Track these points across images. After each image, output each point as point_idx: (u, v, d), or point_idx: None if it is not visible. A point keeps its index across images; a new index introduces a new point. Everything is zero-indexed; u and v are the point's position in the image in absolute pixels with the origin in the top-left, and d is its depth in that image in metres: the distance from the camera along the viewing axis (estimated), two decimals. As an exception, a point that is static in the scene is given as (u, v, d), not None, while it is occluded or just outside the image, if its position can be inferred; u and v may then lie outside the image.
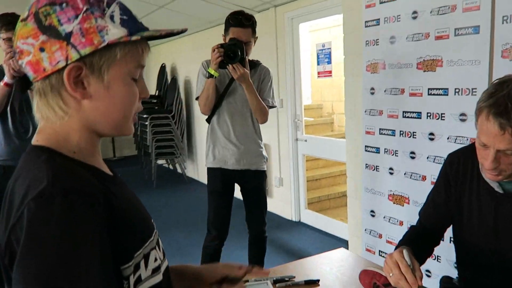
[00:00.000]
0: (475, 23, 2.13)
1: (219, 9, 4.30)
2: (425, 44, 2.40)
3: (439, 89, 2.35)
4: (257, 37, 2.46)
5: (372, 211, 2.92)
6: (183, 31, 0.78)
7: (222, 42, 2.37)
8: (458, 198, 1.36)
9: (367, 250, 3.00)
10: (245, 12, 2.39)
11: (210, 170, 2.54)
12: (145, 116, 5.81)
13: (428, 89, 2.40)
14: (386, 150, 2.74)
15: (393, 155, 2.69)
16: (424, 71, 2.41)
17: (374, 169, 2.86)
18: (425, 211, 1.49)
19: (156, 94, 6.60)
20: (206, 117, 2.53)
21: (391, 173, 2.72)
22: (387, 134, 2.71)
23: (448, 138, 2.32)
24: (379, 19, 2.67)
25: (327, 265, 1.58)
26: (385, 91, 2.69)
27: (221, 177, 2.50)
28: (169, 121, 5.94)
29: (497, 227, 1.26)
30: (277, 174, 4.51)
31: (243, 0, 4.02)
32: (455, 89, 2.25)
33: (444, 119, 2.33)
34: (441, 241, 1.79)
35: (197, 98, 2.46)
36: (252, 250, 2.70)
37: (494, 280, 1.31)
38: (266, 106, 2.45)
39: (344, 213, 3.64)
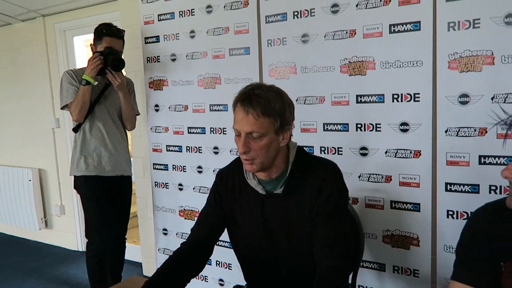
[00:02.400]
0: (246, 44, 2.33)
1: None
2: (203, 62, 2.50)
3: (219, 105, 2.48)
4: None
5: (164, 229, 2.88)
6: None
7: (92, 51, 2.46)
8: (230, 209, 1.45)
9: (162, 269, 2.93)
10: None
11: (83, 178, 2.50)
12: None
13: (210, 105, 2.51)
14: (174, 166, 2.74)
15: (181, 171, 2.71)
16: (205, 88, 2.52)
17: (163, 187, 2.83)
18: (198, 223, 1.52)
19: None
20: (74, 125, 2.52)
21: (181, 189, 2.74)
22: (175, 151, 2.72)
23: (230, 151, 2.47)
24: (158, 36, 2.67)
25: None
26: (169, 108, 2.70)
27: (98, 183, 2.51)
28: None
29: (265, 225, 1.39)
30: (57, 202, 4.03)
31: (4, 6, 3.48)
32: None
33: (226, 133, 2.48)
34: (231, 249, 1.87)
35: (63, 107, 2.47)
36: (113, 256, 2.69)
37: (269, 275, 1.44)
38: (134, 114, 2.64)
39: (136, 234, 3.50)
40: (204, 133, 2.57)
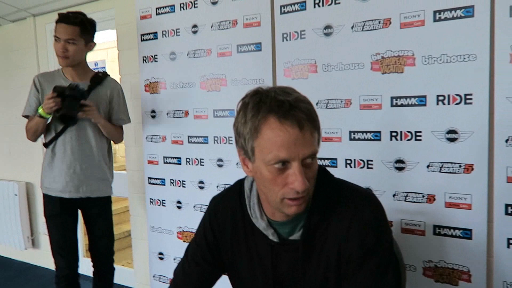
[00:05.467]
0: (257, 39, 2.01)
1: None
2: (206, 61, 2.18)
3: (224, 110, 2.15)
4: (94, 44, 2.16)
5: (160, 253, 2.52)
6: None
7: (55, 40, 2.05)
8: (230, 255, 1.09)
9: (158, 299, 2.57)
10: (81, 12, 2.14)
11: (46, 196, 2.20)
12: None
13: (214, 110, 2.18)
14: (172, 181, 2.40)
15: (180, 186, 2.37)
16: (208, 90, 2.19)
17: (160, 204, 2.47)
18: (183, 270, 1.15)
19: None
20: None
21: (179, 207, 2.39)
22: (173, 163, 2.38)
23: (237, 164, 2.13)
24: (156, 32, 2.36)
25: None
26: (167, 113, 2.37)
27: (59, 203, 2.17)
28: None
29: (276, 282, 1.04)
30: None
31: (-11, 3, 3.19)
32: (241, 110, 2.08)
33: (231, 143, 2.14)
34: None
35: (25, 116, 2.18)
36: (99, 284, 2.40)
37: None
38: (120, 127, 2.24)
39: (130, 255, 3.14)
40: (207, 143, 2.23)
